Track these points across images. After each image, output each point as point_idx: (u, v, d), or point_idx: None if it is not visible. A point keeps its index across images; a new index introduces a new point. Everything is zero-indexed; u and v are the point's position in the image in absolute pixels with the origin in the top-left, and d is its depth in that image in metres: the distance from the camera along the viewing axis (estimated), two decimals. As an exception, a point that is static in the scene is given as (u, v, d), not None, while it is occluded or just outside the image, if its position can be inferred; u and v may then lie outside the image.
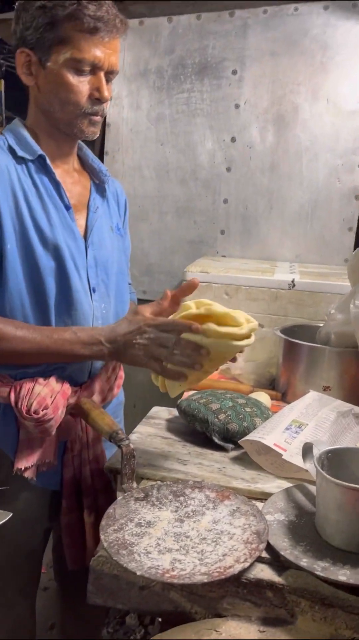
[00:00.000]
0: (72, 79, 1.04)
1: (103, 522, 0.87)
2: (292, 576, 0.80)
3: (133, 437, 1.20)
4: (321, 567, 0.77)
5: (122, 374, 1.32)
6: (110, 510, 0.91)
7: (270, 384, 1.65)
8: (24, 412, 1.05)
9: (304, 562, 0.78)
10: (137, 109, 2.38)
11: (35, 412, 1.05)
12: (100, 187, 1.25)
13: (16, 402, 1.07)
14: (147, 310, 1.07)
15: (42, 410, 1.05)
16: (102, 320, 1.18)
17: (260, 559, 0.82)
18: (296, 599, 0.79)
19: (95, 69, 1.05)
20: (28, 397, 1.07)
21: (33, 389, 1.08)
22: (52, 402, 1.07)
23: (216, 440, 1.15)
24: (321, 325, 1.54)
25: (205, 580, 0.75)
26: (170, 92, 2.33)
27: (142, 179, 2.43)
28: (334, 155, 2.20)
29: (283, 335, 1.53)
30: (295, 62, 2.17)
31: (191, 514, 0.91)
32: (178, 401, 1.28)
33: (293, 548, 0.82)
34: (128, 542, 0.83)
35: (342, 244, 2.25)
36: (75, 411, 1.13)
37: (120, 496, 0.95)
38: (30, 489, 1.17)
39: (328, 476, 0.82)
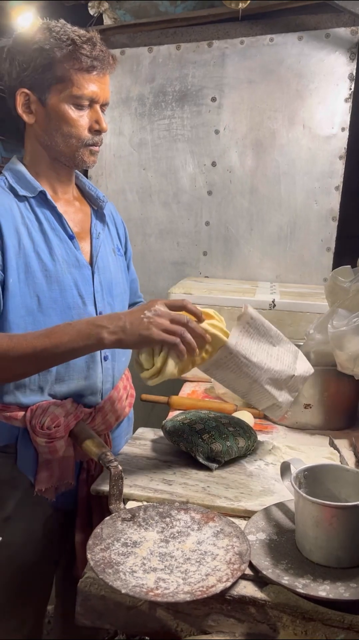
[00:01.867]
0: (73, 113, 1.11)
1: (90, 542, 0.90)
2: (274, 592, 0.83)
3: (119, 458, 1.22)
4: (302, 584, 0.80)
5: (133, 392, 1.38)
6: (97, 530, 0.93)
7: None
8: (37, 428, 1.10)
9: (285, 580, 0.81)
10: (120, 134, 2.44)
11: (48, 427, 1.10)
12: (99, 212, 1.31)
13: (30, 420, 1.12)
14: None
15: (55, 427, 1.11)
16: None
17: (243, 576, 0.85)
18: (278, 614, 0.81)
19: (92, 103, 1.13)
20: (42, 415, 1.11)
21: (48, 408, 1.13)
22: (65, 421, 1.12)
23: (200, 460, 1.18)
24: (301, 344, 1.59)
25: (188, 599, 0.78)
26: (152, 119, 2.40)
27: (126, 202, 2.48)
28: (311, 179, 2.28)
29: (264, 355, 1.56)
30: (271, 90, 2.26)
31: (177, 534, 0.94)
32: (163, 422, 1.31)
33: (275, 567, 0.85)
34: (114, 561, 0.86)
35: (321, 264, 2.32)
36: (68, 435, 1.16)
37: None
38: (47, 509, 1.21)
39: (304, 495, 0.86)
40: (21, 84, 1.11)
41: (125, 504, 1.03)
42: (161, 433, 1.35)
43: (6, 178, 1.16)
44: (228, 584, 0.81)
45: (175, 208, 2.46)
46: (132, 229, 2.49)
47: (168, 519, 0.98)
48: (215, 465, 1.19)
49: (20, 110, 1.13)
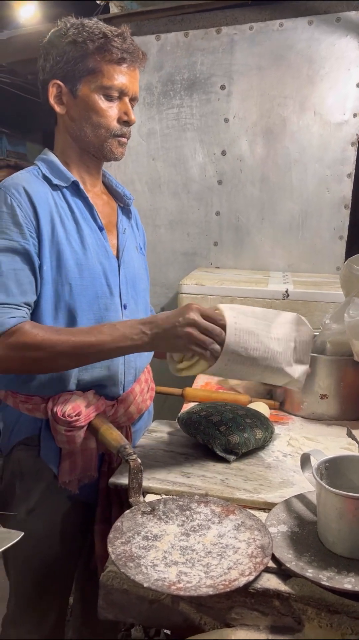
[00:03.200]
0: (102, 104, 1.14)
1: (111, 535, 0.89)
2: (298, 584, 0.82)
3: (136, 450, 1.22)
4: (327, 577, 0.79)
5: (153, 385, 1.40)
6: (117, 523, 0.92)
7: (268, 394, 1.67)
8: (59, 415, 1.12)
9: (309, 572, 0.80)
10: (128, 125, 2.41)
11: (69, 415, 1.11)
12: (125, 209, 1.34)
13: (52, 407, 1.14)
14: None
15: (75, 416, 1.12)
16: None
17: (266, 569, 0.84)
18: (303, 606, 0.81)
19: (121, 95, 1.15)
20: (64, 404, 1.13)
21: (70, 398, 1.15)
22: (86, 411, 1.14)
23: (218, 452, 1.18)
24: (317, 334, 1.57)
25: (211, 593, 0.77)
26: (160, 108, 2.37)
27: (135, 193, 2.45)
28: (323, 166, 2.24)
29: (279, 346, 1.55)
30: (281, 76, 2.22)
31: (197, 528, 0.93)
32: (179, 414, 1.30)
33: (298, 559, 0.84)
34: (135, 554, 0.85)
35: (333, 252, 2.30)
36: (87, 427, 1.16)
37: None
38: (69, 501, 1.22)
39: (327, 486, 0.84)
40: (54, 76, 1.14)
41: (144, 497, 1.03)
42: (176, 425, 1.34)
43: (39, 168, 1.19)
44: (251, 577, 0.80)
45: (185, 198, 2.44)
46: (142, 220, 2.44)
47: (188, 512, 0.97)
48: (232, 457, 1.18)
49: (52, 101, 1.16)
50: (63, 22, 1.16)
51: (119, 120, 1.16)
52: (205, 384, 1.74)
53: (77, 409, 1.13)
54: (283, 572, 0.84)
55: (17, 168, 3.62)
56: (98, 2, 2.49)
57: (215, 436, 1.18)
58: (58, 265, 1.13)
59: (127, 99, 1.16)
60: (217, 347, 1.02)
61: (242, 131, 2.31)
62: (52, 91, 1.15)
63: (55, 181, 1.17)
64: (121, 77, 1.13)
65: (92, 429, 1.12)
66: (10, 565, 1.27)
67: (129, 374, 1.27)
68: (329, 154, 2.23)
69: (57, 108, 1.17)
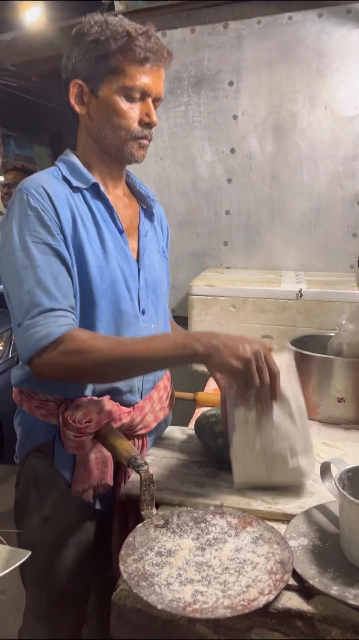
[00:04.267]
0: (123, 105, 1.10)
1: (122, 552, 0.85)
2: (321, 603, 0.77)
3: (147, 459, 1.17)
4: (353, 595, 0.75)
5: (173, 392, 1.36)
6: (129, 538, 0.88)
7: (282, 397, 1.63)
8: (69, 420, 1.09)
9: (334, 590, 0.75)
10: (135, 124, 2.37)
11: (79, 421, 1.09)
12: (148, 211, 1.30)
13: (63, 412, 1.11)
14: None
15: (86, 422, 1.09)
16: None
17: (286, 587, 0.79)
18: (327, 627, 0.76)
19: (144, 95, 1.11)
20: (75, 409, 1.10)
21: (83, 403, 1.12)
22: (97, 417, 1.10)
23: (211, 461, 1.16)
24: (331, 334, 1.52)
25: (228, 615, 0.72)
26: (167, 106, 2.33)
27: (143, 194, 2.42)
28: (335, 162, 2.19)
29: (294, 348, 1.50)
30: (291, 71, 2.17)
31: (213, 541, 0.88)
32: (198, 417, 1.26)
33: (321, 575, 0.79)
34: (148, 572, 0.81)
35: (346, 250, 2.24)
36: (95, 437, 1.12)
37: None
38: (85, 510, 1.18)
39: (351, 498, 0.80)
40: (75, 75, 1.11)
41: (156, 508, 0.98)
42: (189, 432, 1.30)
43: (59, 169, 1.16)
44: (271, 597, 0.75)
45: (194, 197, 2.39)
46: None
47: (203, 525, 0.92)
48: (225, 466, 1.13)
49: (72, 100, 1.13)
50: (87, 19, 1.12)
51: (141, 122, 1.12)
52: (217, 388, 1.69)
53: (88, 416, 1.09)
54: (305, 589, 0.80)
55: (24, 170, 3.59)
56: (103, 0, 2.45)
57: (211, 446, 1.16)
58: (79, 268, 1.10)
59: (149, 100, 1.12)
60: (261, 395, 0.99)
61: (251, 128, 2.26)
62: (73, 91, 1.12)
63: (75, 183, 1.13)
64: (144, 78, 1.09)
65: (99, 437, 1.08)
66: (25, 575, 1.24)
67: (147, 381, 1.23)
68: (341, 150, 2.17)
69: (78, 108, 1.14)
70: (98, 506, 1.19)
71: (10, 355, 2.90)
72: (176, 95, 2.31)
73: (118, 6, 2.44)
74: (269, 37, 2.16)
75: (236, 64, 2.22)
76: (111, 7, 2.46)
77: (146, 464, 0.96)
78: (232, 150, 2.30)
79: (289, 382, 1.03)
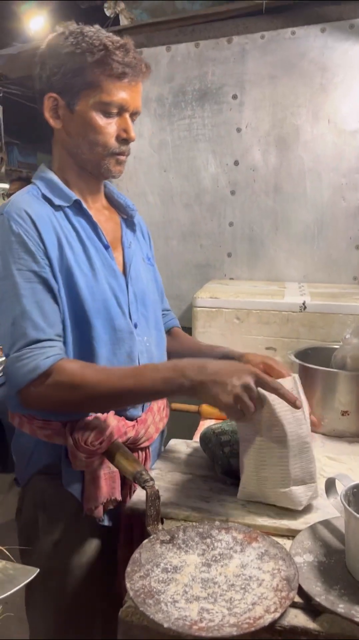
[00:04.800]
0: (100, 120, 1.08)
1: (129, 569, 0.85)
2: (327, 621, 0.77)
3: (152, 473, 1.18)
4: (359, 613, 0.75)
5: (167, 402, 1.36)
6: (136, 554, 0.88)
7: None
8: (81, 442, 1.07)
9: (341, 608, 0.76)
10: (140, 136, 2.39)
11: (92, 443, 1.08)
12: (129, 221, 1.27)
13: (72, 432, 1.09)
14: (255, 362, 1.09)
15: (99, 444, 1.08)
16: (146, 354, 1.20)
17: (292, 604, 0.79)
18: (333, 645, 0.76)
19: (121, 110, 1.09)
20: (85, 429, 1.09)
21: (91, 422, 1.10)
22: (108, 437, 1.10)
23: (218, 472, 1.15)
24: (335, 347, 1.53)
25: (234, 633, 0.72)
26: (172, 119, 2.35)
27: (147, 205, 2.44)
28: (338, 175, 2.20)
29: (297, 360, 1.51)
30: (294, 85, 2.19)
31: (219, 557, 0.88)
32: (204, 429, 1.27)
33: (328, 593, 0.79)
34: (154, 589, 0.81)
35: (349, 262, 2.25)
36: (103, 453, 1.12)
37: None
38: (94, 528, 1.17)
39: (356, 515, 0.80)
40: (50, 88, 1.08)
41: (162, 523, 0.99)
42: (194, 445, 1.30)
43: (38, 187, 1.13)
44: (277, 615, 0.75)
45: (198, 209, 2.41)
46: (154, 232, 2.43)
47: (208, 540, 0.92)
48: (230, 480, 1.14)
49: (47, 114, 1.10)
50: (62, 28, 1.08)
51: (118, 138, 1.10)
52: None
53: (100, 437, 1.08)
54: (311, 607, 0.80)
55: (28, 180, 3.62)
56: (107, 14, 2.48)
57: (218, 456, 1.16)
58: (69, 290, 1.08)
59: (127, 115, 1.10)
60: (254, 416, 0.97)
61: (255, 141, 2.28)
62: (48, 104, 1.09)
63: (57, 201, 1.11)
64: (121, 93, 1.07)
65: (107, 454, 1.08)
66: (35, 597, 1.21)
67: None
68: (344, 163, 2.19)
69: (52, 122, 1.11)
70: (106, 522, 1.18)
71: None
72: (180, 109, 2.33)
73: (123, 20, 2.47)
74: (272, 52, 2.19)
75: (240, 77, 2.25)
76: (116, 21, 2.49)
77: (152, 479, 0.96)
78: (236, 163, 2.32)
79: (289, 409, 1.00)
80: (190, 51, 2.28)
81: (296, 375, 1.07)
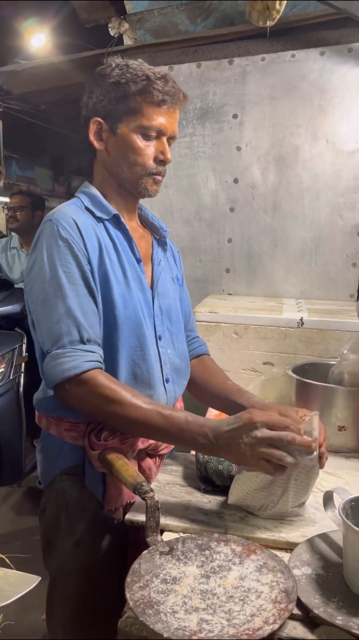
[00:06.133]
0: (140, 143, 1.17)
1: (128, 579, 0.85)
2: (326, 633, 0.78)
3: (151, 485, 1.18)
4: (358, 625, 0.75)
5: (183, 409, 1.38)
6: (135, 565, 0.89)
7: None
8: (95, 440, 1.12)
9: (339, 620, 0.76)
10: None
11: (105, 439, 1.12)
12: (161, 241, 1.36)
13: (89, 433, 1.14)
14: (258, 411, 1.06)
15: (111, 439, 1.13)
16: (169, 365, 1.25)
17: (290, 616, 0.80)
18: (331, 657, 0.76)
19: (159, 134, 1.18)
20: (99, 429, 1.14)
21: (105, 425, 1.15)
22: (122, 435, 1.14)
23: (198, 478, 1.18)
24: (332, 362, 1.55)
25: (234, 644, 0.73)
26: (173, 137, 2.39)
27: (147, 221, 2.47)
28: (335, 194, 2.24)
29: (295, 376, 1.53)
30: (293, 106, 2.24)
31: (218, 569, 0.89)
32: None
33: (326, 605, 0.80)
34: (154, 600, 0.81)
35: (346, 279, 2.28)
36: (101, 462, 1.13)
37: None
38: (114, 529, 1.20)
39: (355, 528, 0.81)
40: (96, 113, 1.18)
41: (161, 535, 0.99)
42: (192, 458, 1.31)
43: (81, 200, 1.21)
44: (276, 626, 0.76)
45: (197, 225, 2.44)
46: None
47: (207, 552, 0.93)
48: (203, 486, 1.16)
49: (92, 136, 1.19)
50: (108, 61, 1.19)
51: (156, 159, 1.19)
52: (219, 414, 1.71)
53: (114, 433, 1.13)
54: (309, 619, 0.80)
55: (29, 194, 3.65)
56: (111, 33, 2.54)
57: (199, 461, 1.18)
58: (104, 295, 1.15)
59: (164, 139, 1.19)
60: (289, 460, 0.96)
61: (254, 159, 2.32)
62: (93, 128, 1.19)
63: (98, 213, 1.19)
64: (160, 118, 1.16)
65: (107, 464, 1.09)
66: (56, 599, 1.22)
67: (169, 403, 1.27)
68: (342, 182, 2.23)
69: (97, 144, 1.20)
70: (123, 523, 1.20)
71: (11, 377, 2.90)
72: (181, 127, 2.38)
73: (127, 40, 2.53)
74: (272, 74, 2.24)
75: (240, 98, 2.29)
76: (120, 41, 2.55)
77: (152, 490, 0.97)
78: (235, 181, 2.36)
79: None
80: (192, 71, 2.33)
81: (317, 413, 1.05)
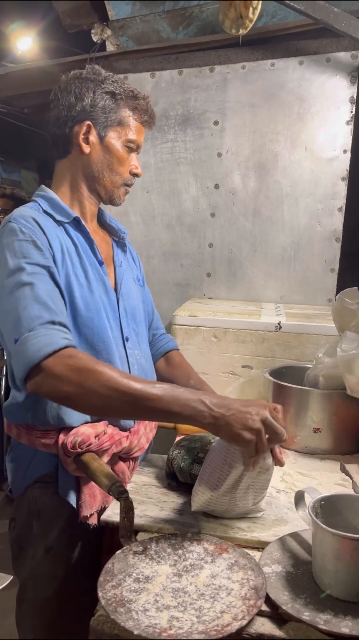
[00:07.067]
0: (124, 154, 1.24)
1: (101, 578, 0.87)
2: (293, 629, 0.80)
3: (127, 487, 1.20)
4: (324, 620, 0.77)
5: None
6: (108, 565, 0.90)
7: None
8: (69, 447, 1.11)
9: (306, 616, 0.78)
10: (123, 158, 2.45)
11: (80, 446, 1.12)
12: (120, 243, 1.38)
13: (63, 441, 1.13)
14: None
15: (86, 446, 1.12)
16: (137, 366, 1.27)
17: (259, 613, 0.82)
18: (298, 652, 0.78)
19: (136, 149, 1.27)
20: (74, 435, 1.13)
21: (80, 430, 1.14)
22: (97, 442, 1.14)
23: (165, 472, 1.22)
24: (309, 366, 1.57)
25: (203, 640, 0.75)
26: (155, 142, 2.41)
27: (129, 225, 2.49)
28: (314, 200, 2.28)
29: (272, 378, 1.55)
30: (273, 113, 2.28)
31: (190, 568, 0.91)
32: None
33: (294, 601, 0.82)
34: (126, 598, 0.83)
35: (325, 284, 2.32)
36: (76, 464, 1.14)
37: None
38: (87, 535, 1.19)
39: (323, 526, 0.83)
40: (87, 116, 1.21)
41: (135, 535, 1.00)
42: (169, 460, 1.32)
43: (39, 204, 1.21)
44: (244, 622, 0.78)
45: (179, 230, 2.46)
46: (136, 251, 2.48)
47: (180, 551, 0.95)
48: (169, 481, 1.20)
49: (80, 138, 1.22)
50: (95, 69, 1.24)
51: (130, 172, 1.26)
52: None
53: (87, 440, 1.13)
54: (278, 615, 0.82)
55: (13, 197, 3.64)
56: (94, 39, 2.55)
57: (168, 458, 1.23)
58: (67, 298, 1.15)
59: (135, 154, 1.27)
60: (270, 458, 1.00)
61: (235, 165, 2.35)
62: (83, 130, 1.21)
63: (58, 217, 1.20)
64: (140, 135, 1.26)
65: (82, 466, 1.10)
66: (23, 606, 1.22)
67: None
68: (320, 189, 2.27)
69: (84, 147, 1.22)
70: (97, 529, 1.20)
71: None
72: (163, 132, 2.40)
73: (110, 46, 2.54)
74: (253, 82, 2.27)
75: (221, 105, 2.32)
76: (102, 47, 2.56)
77: (126, 491, 0.98)
78: (216, 186, 2.39)
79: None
80: (174, 78, 2.35)
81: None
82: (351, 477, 1.28)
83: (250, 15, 1.64)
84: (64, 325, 1.04)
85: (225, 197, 2.38)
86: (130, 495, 1.00)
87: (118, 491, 0.98)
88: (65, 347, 0.99)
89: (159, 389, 0.96)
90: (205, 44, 2.31)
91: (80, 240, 1.22)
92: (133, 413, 1.05)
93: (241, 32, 1.76)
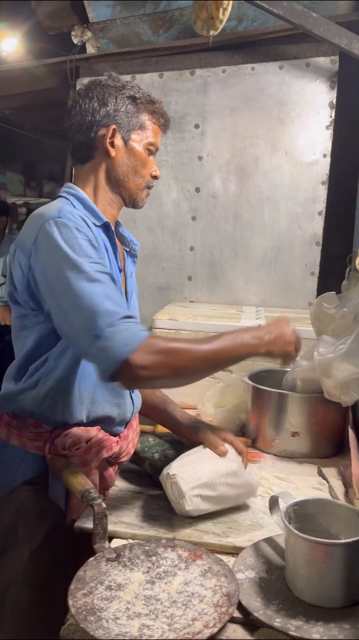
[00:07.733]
0: (146, 157, 1.26)
1: (72, 586, 0.86)
2: (264, 635, 0.80)
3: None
4: (295, 627, 0.77)
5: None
6: (80, 572, 0.89)
7: (240, 430, 1.66)
8: (59, 448, 1.12)
9: (277, 622, 0.78)
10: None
11: (69, 448, 1.12)
12: (131, 254, 1.38)
13: (52, 441, 1.13)
14: None
15: (75, 449, 1.13)
16: None
17: (231, 619, 0.81)
18: (270, 659, 0.78)
19: (154, 152, 1.29)
20: (64, 436, 1.14)
21: (71, 431, 1.15)
22: (86, 446, 1.15)
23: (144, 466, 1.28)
24: (288, 370, 1.58)
25: (173, 648, 0.74)
26: (135, 145, 2.40)
27: (110, 228, 2.47)
28: (294, 204, 2.29)
29: (251, 382, 1.55)
30: (253, 117, 2.29)
31: (163, 574, 0.90)
32: None
33: (266, 607, 0.81)
34: (97, 607, 0.82)
35: (305, 288, 2.33)
36: (51, 469, 1.13)
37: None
38: (73, 538, 1.15)
39: (295, 531, 0.83)
40: (112, 121, 1.22)
41: (109, 541, 0.99)
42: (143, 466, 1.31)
43: (72, 203, 1.18)
44: (215, 629, 0.77)
45: (160, 233, 2.46)
46: (116, 254, 2.49)
47: (154, 558, 0.94)
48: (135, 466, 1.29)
49: (106, 141, 1.22)
50: (114, 75, 1.26)
51: (151, 174, 1.28)
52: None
53: (77, 443, 1.13)
54: (250, 622, 0.82)
55: (-4, 199, 3.62)
56: (74, 41, 2.54)
57: (136, 449, 1.30)
58: None
59: (153, 157, 1.29)
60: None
61: (215, 169, 2.36)
62: (108, 133, 1.21)
63: (91, 219, 1.18)
64: (158, 138, 1.28)
65: (54, 470, 1.09)
66: (6, 610, 1.19)
67: (134, 413, 1.29)
68: (300, 193, 2.28)
69: (110, 150, 1.22)
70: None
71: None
72: (144, 135, 2.39)
73: (90, 48, 2.54)
74: (233, 85, 2.28)
75: (202, 108, 2.33)
76: (83, 49, 2.56)
77: (100, 497, 0.97)
78: (197, 190, 2.39)
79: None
80: (154, 81, 2.35)
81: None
82: (327, 481, 1.28)
83: (220, 16, 1.64)
84: (134, 318, 1.07)
85: (205, 201, 2.39)
86: (106, 501, 0.99)
87: (91, 497, 0.97)
88: (148, 337, 1.03)
89: (220, 342, 1.08)
90: (186, 47, 2.31)
91: (107, 245, 1.22)
92: (214, 371, 1.20)
93: (212, 33, 1.76)
